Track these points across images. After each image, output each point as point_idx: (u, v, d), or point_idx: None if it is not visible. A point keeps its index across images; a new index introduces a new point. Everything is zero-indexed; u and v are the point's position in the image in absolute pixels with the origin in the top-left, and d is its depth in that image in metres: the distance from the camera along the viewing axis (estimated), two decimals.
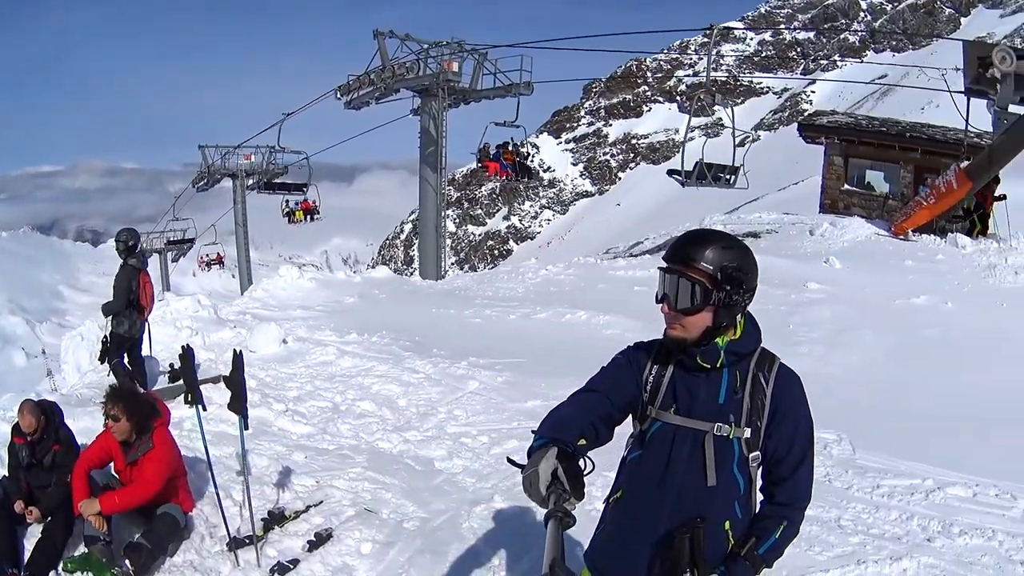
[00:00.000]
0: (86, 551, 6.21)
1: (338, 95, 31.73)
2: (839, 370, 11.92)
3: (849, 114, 37.45)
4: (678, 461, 3.39)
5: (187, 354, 6.40)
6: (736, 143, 24.18)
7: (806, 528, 5.21)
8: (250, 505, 6.53)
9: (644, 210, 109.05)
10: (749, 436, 3.37)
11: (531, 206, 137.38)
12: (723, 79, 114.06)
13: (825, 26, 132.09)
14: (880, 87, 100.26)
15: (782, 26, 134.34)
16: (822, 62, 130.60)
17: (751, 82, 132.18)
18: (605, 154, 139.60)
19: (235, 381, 6.29)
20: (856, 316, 15.19)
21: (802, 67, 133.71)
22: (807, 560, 6.23)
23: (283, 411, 10.07)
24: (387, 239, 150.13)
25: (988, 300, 16.52)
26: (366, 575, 6.50)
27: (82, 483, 6.30)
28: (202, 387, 6.73)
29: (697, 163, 24.26)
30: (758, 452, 3.42)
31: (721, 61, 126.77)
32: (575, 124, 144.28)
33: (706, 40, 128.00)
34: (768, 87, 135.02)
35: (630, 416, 3.60)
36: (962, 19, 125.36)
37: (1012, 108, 20.74)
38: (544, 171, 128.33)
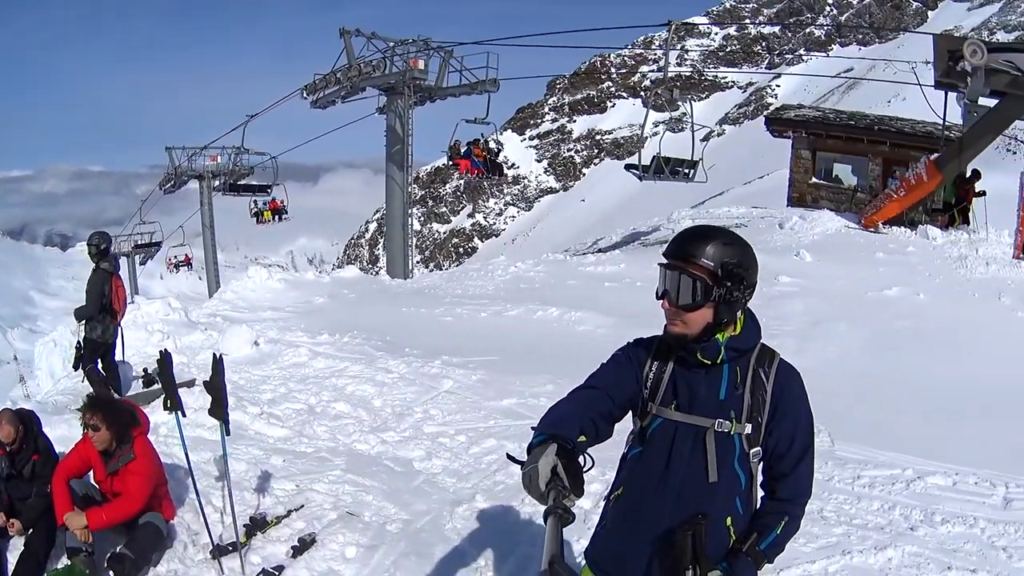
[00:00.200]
0: (69, 563, 6.07)
1: (304, 95, 31.69)
2: (814, 362, 11.89)
3: (817, 108, 37.71)
4: (679, 457, 3.39)
5: (165, 359, 6.28)
6: (695, 137, 24.29)
7: None
8: (233, 512, 6.42)
9: (609, 206, 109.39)
10: (750, 432, 3.37)
11: (496, 203, 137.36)
12: (688, 74, 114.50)
13: (791, 20, 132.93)
14: (846, 80, 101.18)
15: (747, 21, 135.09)
16: (787, 56, 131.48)
17: (716, 77, 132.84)
18: (569, 150, 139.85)
19: (216, 386, 6.17)
20: (829, 309, 15.29)
21: (767, 61, 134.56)
22: (792, 552, 6.22)
23: (258, 414, 9.95)
24: (352, 238, 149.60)
25: (960, 291, 16.70)
26: None
27: (63, 493, 6.15)
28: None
29: (654, 157, 24.41)
30: (759, 448, 3.42)
31: (686, 56, 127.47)
32: (539, 121, 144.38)
33: (670, 36, 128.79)
34: (733, 82, 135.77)
35: (630, 413, 3.59)
36: (929, 12, 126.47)
37: (981, 101, 20.99)
38: (508, 168, 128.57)
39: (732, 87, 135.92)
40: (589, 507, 7.14)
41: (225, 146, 40.40)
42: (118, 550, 6.12)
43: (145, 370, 11.77)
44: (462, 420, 10.23)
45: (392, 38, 31.00)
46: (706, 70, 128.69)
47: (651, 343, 3.59)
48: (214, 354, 6.44)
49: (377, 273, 43.57)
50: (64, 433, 7.78)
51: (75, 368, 10.96)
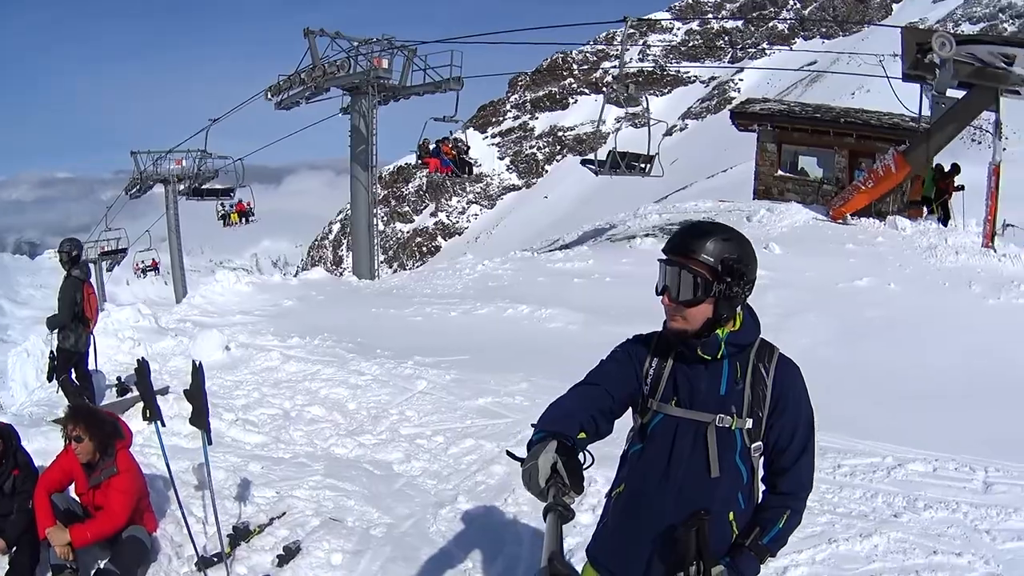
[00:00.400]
0: None
1: (268, 96, 31.44)
2: (788, 354, 11.98)
3: (782, 101, 37.93)
4: (681, 453, 3.39)
5: (143, 368, 6.15)
6: (651, 133, 24.40)
7: None
8: (217, 521, 6.30)
9: (571, 202, 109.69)
10: (751, 426, 3.38)
11: (458, 201, 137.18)
12: (650, 70, 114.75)
13: (753, 14, 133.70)
14: (809, 74, 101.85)
15: (710, 15, 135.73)
16: (750, 50, 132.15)
17: (678, 72, 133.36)
18: (531, 147, 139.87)
19: (196, 394, 6.05)
20: (800, 300, 15.36)
21: (730, 56, 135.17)
22: None
23: (234, 420, 9.80)
24: (316, 240, 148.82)
25: (930, 280, 16.88)
26: None
27: (45, 508, 5.98)
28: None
29: (610, 152, 24.49)
30: (760, 442, 3.43)
31: (648, 51, 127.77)
32: (501, 118, 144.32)
33: (632, 31, 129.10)
34: (695, 76, 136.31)
35: (630, 410, 3.58)
36: (894, 5, 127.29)
37: (949, 92, 21.24)
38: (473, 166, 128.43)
39: (694, 82, 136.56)
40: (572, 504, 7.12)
41: (190, 149, 40.14)
42: (103, 566, 5.98)
43: (119, 379, 11.58)
44: (438, 421, 10.16)
45: (356, 38, 30.86)
46: (668, 65, 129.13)
47: (650, 339, 3.58)
48: (193, 362, 6.30)
49: (341, 274, 43.37)
50: (42, 446, 7.58)
51: (49, 379, 10.74)
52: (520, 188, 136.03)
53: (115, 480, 6.08)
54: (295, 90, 30.81)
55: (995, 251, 19.40)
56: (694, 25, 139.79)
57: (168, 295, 42.52)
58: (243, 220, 41.08)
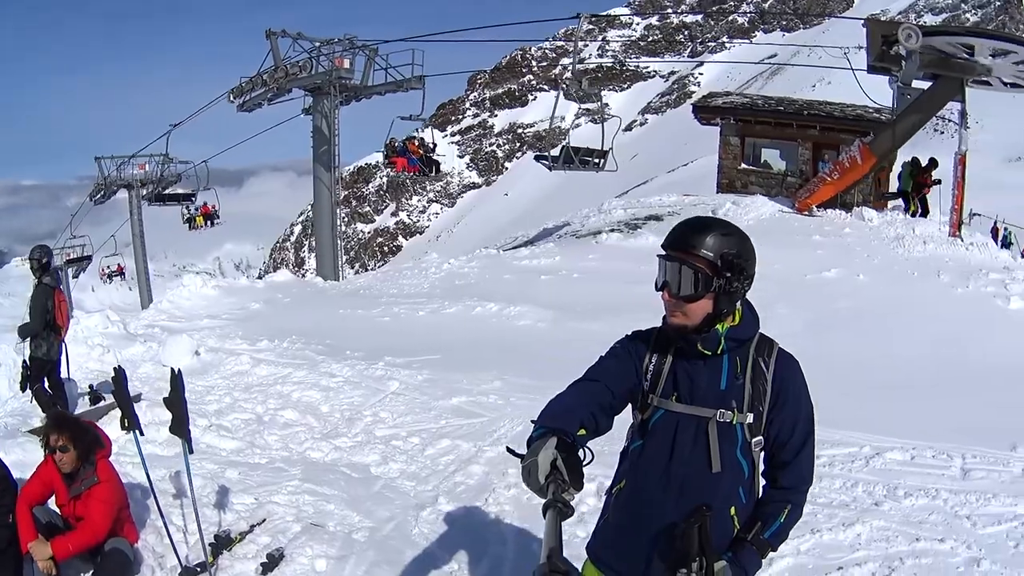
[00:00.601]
0: None
1: (231, 98, 31.28)
2: None
3: (745, 94, 38.10)
4: (682, 448, 3.39)
5: (120, 377, 6.03)
6: (605, 128, 24.51)
7: None
8: (200, 530, 6.18)
9: (532, 199, 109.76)
10: (751, 421, 3.39)
11: (419, 200, 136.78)
12: (609, 65, 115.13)
13: (713, 8, 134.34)
14: (769, 67, 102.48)
15: (669, 10, 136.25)
16: (710, 44, 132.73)
17: (638, 67, 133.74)
18: (491, 145, 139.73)
19: (176, 402, 5.93)
20: (769, 292, 15.37)
21: (689, 50, 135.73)
22: None
23: (207, 426, 9.66)
24: (278, 242, 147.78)
25: (899, 270, 17.07)
26: None
27: (27, 522, 5.82)
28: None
29: (563, 147, 24.61)
30: (760, 437, 3.44)
31: (607, 47, 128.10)
32: (460, 116, 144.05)
33: (591, 27, 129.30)
34: (655, 71, 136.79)
35: (629, 407, 3.58)
36: None
37: (915, 83, 21.47)
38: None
39: (654, 76, 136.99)
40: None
41: (153, 154, 39.81)
42: None
43: (91, 386, 11.40)
44: (413, 422, 10.09)
45: (318, 38, 30.75)
46: (628, 60, 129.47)
47: (649, 335, 3.58)
48: (172, 369, 6.18)
49: (304, 276, 43.17)
50: (19, 458, 7.41)
51: (23, 389, 10.54)
52: (480, 186, 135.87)
53: (96, 490, 5.95)
54: (257, 92, 30.63)
55: (962, 240, 19.67)
56: (653, 20, 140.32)
57: (133, 301, 41.96)
58: (208, 223, 41.10)
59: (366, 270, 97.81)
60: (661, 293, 3.39)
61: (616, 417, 3.52)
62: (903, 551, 6.12)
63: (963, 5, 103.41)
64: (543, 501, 2.93)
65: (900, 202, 25.33)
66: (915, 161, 25.02)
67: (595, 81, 29.15)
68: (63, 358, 10.77)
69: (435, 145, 31.30)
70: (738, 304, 3.42)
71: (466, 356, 12.99)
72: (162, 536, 6.43)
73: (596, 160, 25.30)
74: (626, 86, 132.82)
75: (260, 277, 31.95)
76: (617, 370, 3.50)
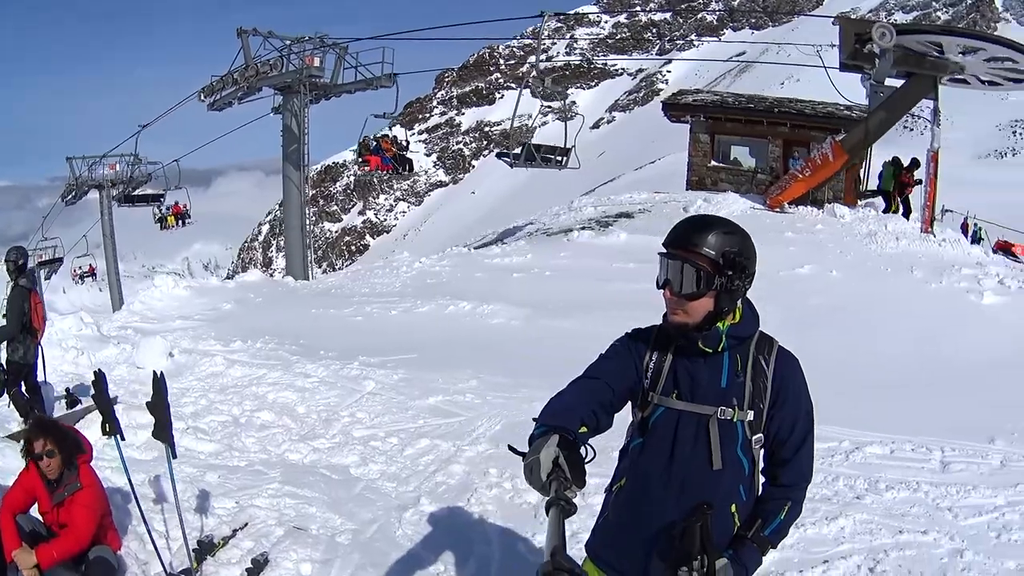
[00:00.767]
0: None
1: (202, 97, 31.23)
2: None
3: (714, 92, 38.24)
4: (683, 446, 3.40)
5: (100, 381, 5.93)
6: (568, 126, 24.58)
7: None
8: (184, 536, 6.08)
9: (499, 197, 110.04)
10: (752, 419, 3.41)
11: (386, 199, 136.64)
12: (577, 63, 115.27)
13: (682, 6, 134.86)
14: (738, 64, 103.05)
15: (638, 7, 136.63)
16: (678, 42, 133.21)
17: (606, 64, 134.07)
18: (458, 143, 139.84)
19: (159, 406, 5.82)
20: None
21: (658, 47, 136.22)
22: None
23: (184, 429, 9.50)
24: (246, 242, 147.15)
25: (872, 266, 17.23)
26: None
27: (10, 531, 5.67)
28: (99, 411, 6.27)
29: (524, 145, 24.64)
30: (761, 434, 3.46)
31: (575, 45, 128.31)
32: (428, 115, 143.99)
33: (559, 25, 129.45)
34: (623, 69, 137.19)
35: (628, 405, 3.58)
36: None
37: (888, 82, 21.65)
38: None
39: (622, 74, 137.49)
40: (535, 500, 7.15)
41: (123, 154, 39.54)
42: None
43: (67, 390, 11.24)
44: (391, 422, 10.05)
45: (289, 36, 30.71)
46: (595, 58, 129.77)
47: (649, 333, 3.58)
48: (154, 372, 6.08)
49: (272, 276, 42.99)
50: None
51: (0, 393, 10.38)
52: (447, 184, 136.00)
53: (79, 496, 5.80)
54: (228, 91, 30.63)
55: (934, 236, 19.87)
56: (622, 18, 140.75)
57: (104, 302, 41.53)
58: (180, 223, 40.92)
59: (334, 269, 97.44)
60: (663, 291, 3.39)
61: (616, 415, 3.51)
62: (887, 543, 6.19)
63: (934, 3, 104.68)
64: (545, 499, 2.92)
65: (879, 200, 25.54)
66: (896, 161, 25.25)
67: (560, 79, 29.17)
68: (39, 361, 10.61)
69: (408, 143, 31.21)
70: (739, 302, 3.43)
71: (440, 355, 12.96)
72: (145, 543, 6.32)
73: (558, 158, 25.35)
74: (594, 84, 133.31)
75: (229, 277, 31.78)
76: (617, 368, 3.49)
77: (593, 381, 3.45)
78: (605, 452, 3.41)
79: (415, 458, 8.86)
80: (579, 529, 5.43)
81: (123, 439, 6.23)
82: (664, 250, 3.38)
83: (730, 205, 24.07)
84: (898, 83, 22.05)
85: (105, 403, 5.97)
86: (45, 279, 44.18)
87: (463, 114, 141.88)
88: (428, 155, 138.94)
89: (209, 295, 19.36)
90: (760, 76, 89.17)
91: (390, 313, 16.74)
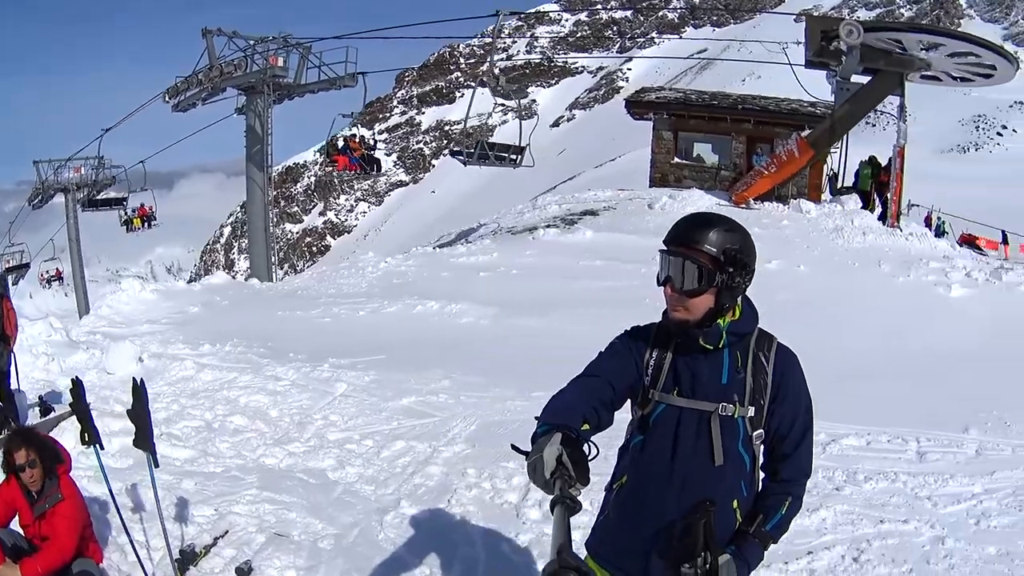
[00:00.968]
0: None
1: (166, 98, 31.13)
2: None
3: (678, 89, 38.37)
4: (684, 443, 3.42)
5: (78, 388, 5.82)
6: (522, 124, 24.66)
7: None
8: (168, 546, 5.97)
9: (459, 196, 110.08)
10: (753, 415, 3.44)
11: (346, 199, 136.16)
12: (537, 61, 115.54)
13: (643, 4, 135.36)
14: (699, 62, 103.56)
15: (599, 5, 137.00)
16: (639, 40, 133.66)
17: (566, 63, 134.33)
18: (418, 142, 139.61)
19: (140, 413, 5.72)
20: None
21: (618, 45, 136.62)
22: None
23: (158, 436, 9.33)
24: (208, 244, 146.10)
25: (839, 261, 17.41)
26: None
27: None
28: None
29: (478, 143, 24.69)
30: (761, 430, 3.49)
31: (536, 43, 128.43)
32: (388, 114, 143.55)
33: (520, 24, 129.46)
34: (583, 67, 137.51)
35: (628, 402, 3.59)
36: None
37: (854, 78, 21.87)
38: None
39: (582, 72, 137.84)
40: (516, 500, 7.13)
41: (88, 156, 39.42)
42: None
43: (40, 397, 11.04)
44: (365, 424, 9.96)
45: (253, 36, 30.63)
46: (556, 56, 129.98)
47: (648, 331, 3.60)
48: (134, 379, 5.98)
49: (235, 277, 42.75)
50: None
51: None
52: (407, 184, 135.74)
53: (61, 507, 5.65)
54: (192, 91, 30.54)
55: (901, 230, 20.09)
56: (582, 16, 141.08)
57: (71, 307, 41.20)
58: (146, 224, 40.72)
59: (295, 271, 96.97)
60: (663, 288, 3.41)
61: (616, 412, 3.52)
62: (869, 533, 6.29)
63: (897, 0, 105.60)
64: (550, 498, 2.91)
65: (851, 200, 25.75)
66: (873, 160, 25.45)
67: (515, 78, 29.32)
68: (12, 369, 10.42)
69: (375, 143, 31.13)
70: (738, 299, 3.45)
71: (410, 355, 12.88)
72: (127, 554, 6.20)
73: (512, 156, 25.39)
74: (554, 82, 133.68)
75: (191, 280, 31.56)
76: (617, 365, 3.51)
77: (593, 379, 3.46)
78: (604, 451, 3.41)
79: (392, 460, 8.78)
80: (577, 525, 5.43)
81: (102, 448, 6.13)
82: (665, 247, 3.40)
83: (695, 201, 24.14)
84: (864, 79, 22.27)
85: (84, 411, 5.87)
86: (12, 284, 43.81)
87: (423, 113, 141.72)
88: (388, 155, 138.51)
89: (175, 298, 19.10)
90: (721, 73, 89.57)
91: (358, 314, 16.61)
